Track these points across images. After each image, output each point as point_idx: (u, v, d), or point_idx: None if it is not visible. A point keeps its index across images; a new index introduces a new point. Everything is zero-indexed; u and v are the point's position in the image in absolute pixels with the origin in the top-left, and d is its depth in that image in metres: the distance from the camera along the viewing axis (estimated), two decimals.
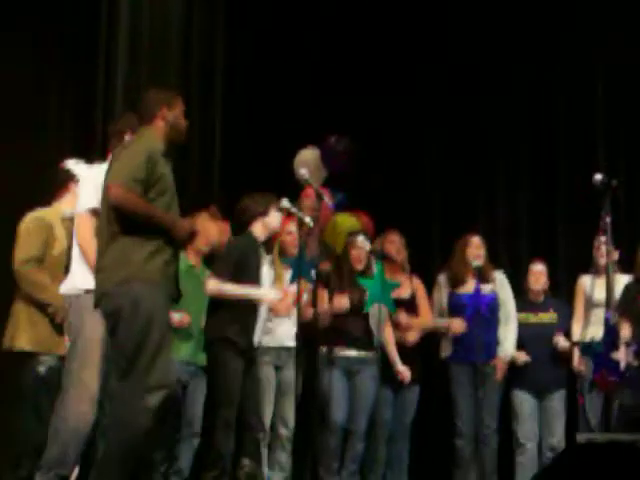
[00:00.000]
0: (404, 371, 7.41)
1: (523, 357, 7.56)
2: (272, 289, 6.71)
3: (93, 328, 5.33)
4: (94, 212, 5.40)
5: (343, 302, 7.20)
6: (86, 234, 5.43)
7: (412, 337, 7.54)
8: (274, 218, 6.72)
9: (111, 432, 4.88)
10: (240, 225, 6.78)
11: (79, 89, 7.69)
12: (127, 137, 5.61)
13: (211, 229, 6.99)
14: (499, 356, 7.47)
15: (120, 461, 4.79)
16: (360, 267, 7.33)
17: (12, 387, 6.31)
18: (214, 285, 6.47)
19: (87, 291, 5.36)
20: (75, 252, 5.61)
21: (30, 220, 6.30)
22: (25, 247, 6.21)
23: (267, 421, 6.79)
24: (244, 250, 6.58)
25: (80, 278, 5.51)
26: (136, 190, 4.92)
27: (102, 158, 5.90)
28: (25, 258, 6.17)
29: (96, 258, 5.09)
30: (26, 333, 6.17)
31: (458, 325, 7.48)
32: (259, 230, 6.69)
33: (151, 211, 4.97)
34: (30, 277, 6.16)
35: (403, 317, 7.48)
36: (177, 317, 6.56)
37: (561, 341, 7.51)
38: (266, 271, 6.75)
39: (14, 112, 7.32)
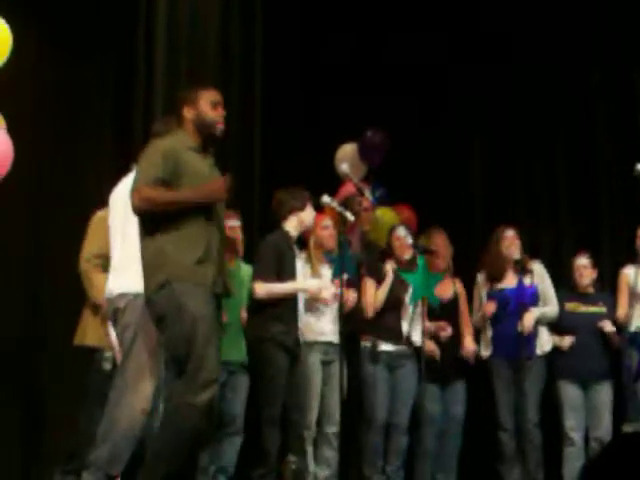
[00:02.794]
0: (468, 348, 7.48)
1: (568, 340, 7.50)
2: (316, 280, 6.71)
3: (150, 330, 5.25)
4: None
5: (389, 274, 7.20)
6: None
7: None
8: (310, 214, 6.73)
9: (163, 431, 4.89)
10: (275, 219, 6.79)
11: (118, 87, 7.69)
12: None
13: None
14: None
15: (169, 458, 4.81)
16: (407, 256, 7.30)
17: (79, 383, 6.38)
18: (262, 288, 6.51)
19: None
20: (127, 252, 5.46)
21: (96, 219, 6.29)
22: (87, 245, 6.23)
23: (314, 417, 6.78)
24: (279, 247, 6.59)
25: (138, 278, 5.30)
26: (157, 184, 4.88)
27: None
28: (87, 257, 6.19)
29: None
30: (92, 329, 6.21)
31: (490, 306, 7.45)
32: (293, 225, 6.69)
33: (176, 196, 4.91)
34: (88, 275, 6.18)
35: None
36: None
37: (607, 326, 7.45)
38: (300, 267, 6.75)
39: (55, 111, 7.36)
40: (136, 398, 5.25)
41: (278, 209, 6.76)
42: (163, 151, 5.00)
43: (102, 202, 6.03)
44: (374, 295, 7.22)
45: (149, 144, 5.18)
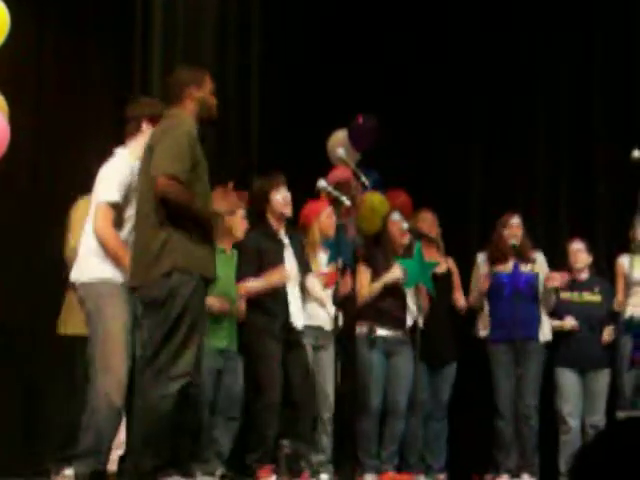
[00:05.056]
0: None
1: (569, 323, 7.52)
2: (283, 268, 6.59)
3: (114, 314, 5.31)
4: (114, 205, 5.34)
5: (397, 272, 7.19)
6: (106, 225, 5.34)
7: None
8: (275, 201, 6.64)
9: (140, 425, 4.93)
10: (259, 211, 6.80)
11: (115, 71, 7.68)
12: (144, 125, 5.52)
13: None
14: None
15: (148, 446, 4.84)
16: (405, 241, 7.30)
17: (65, 371, 6.40)
18: (242, 289, 6.51)
19: (103, 280, 5.35)
20: (88, 240, 5.47)
21: (79, 206, 6.25)
22: (74, 233, 6.13)
23: None
24: (258, 242, 6.55)
25: (95, 267, 5.38)
26: (182, 179, 4.91)
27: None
28: (74, 246, 6.04)
29: (135, 246, 5.10)
30: (78, 317, 6.15)
31: (485, 281, 7.52)
32: (270, 216, 6.66)
33: (193, 205, 4.95)
34: None
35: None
36: (218, 304, 6.47)
37: (606, 335, 7.50)
38: (289, 255, 6.70)
39: (54, 92, 7.35)
40: (112, 383, 5.26)
41: (258, 199, 6.72)
42: (189, 138, 4.99)
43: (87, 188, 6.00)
44: (367, 285, 7.22)
45: (169, 125, 5.11)
